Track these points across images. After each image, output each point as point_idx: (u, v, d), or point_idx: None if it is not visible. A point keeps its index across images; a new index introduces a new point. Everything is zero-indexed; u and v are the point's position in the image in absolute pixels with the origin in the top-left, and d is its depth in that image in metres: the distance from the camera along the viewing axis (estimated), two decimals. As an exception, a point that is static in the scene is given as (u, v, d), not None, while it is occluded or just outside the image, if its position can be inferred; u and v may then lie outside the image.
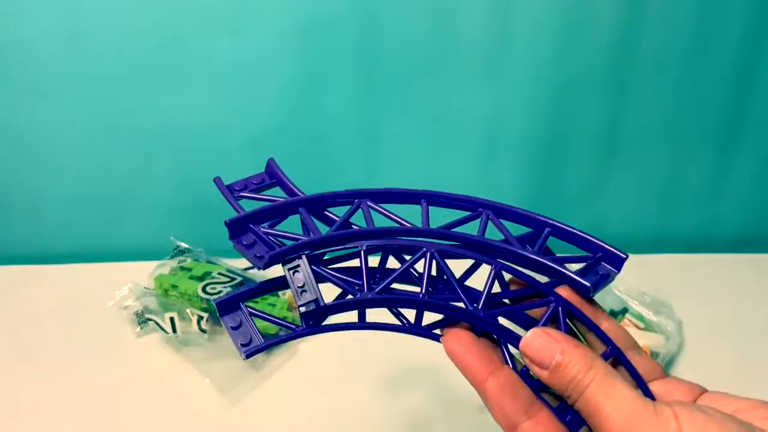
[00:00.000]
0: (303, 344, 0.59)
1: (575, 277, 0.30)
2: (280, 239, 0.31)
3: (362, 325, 0.30)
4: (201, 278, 0.63)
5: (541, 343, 0.26)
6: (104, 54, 0.66)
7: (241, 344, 0.29)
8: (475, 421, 0.51)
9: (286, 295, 0.62)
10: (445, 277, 0.31)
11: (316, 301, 0.29)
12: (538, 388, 0.28)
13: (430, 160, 0.73)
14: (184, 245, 0.69)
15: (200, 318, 0.58)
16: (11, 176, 0.72)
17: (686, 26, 0.68)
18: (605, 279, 0.31)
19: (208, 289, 0.61)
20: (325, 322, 0.30)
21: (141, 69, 0.67)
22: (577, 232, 0.32)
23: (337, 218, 0.33)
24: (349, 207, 0.33)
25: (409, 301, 0.30)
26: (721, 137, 0.75)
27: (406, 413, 0.52)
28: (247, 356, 0.29)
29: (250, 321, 0.30)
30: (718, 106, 0.73)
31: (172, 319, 0.58)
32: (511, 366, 0.29)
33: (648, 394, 0.27)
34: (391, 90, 0.70)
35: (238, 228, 0.31)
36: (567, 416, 0.27)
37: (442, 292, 0.32)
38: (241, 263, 0.67)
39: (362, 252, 0.30)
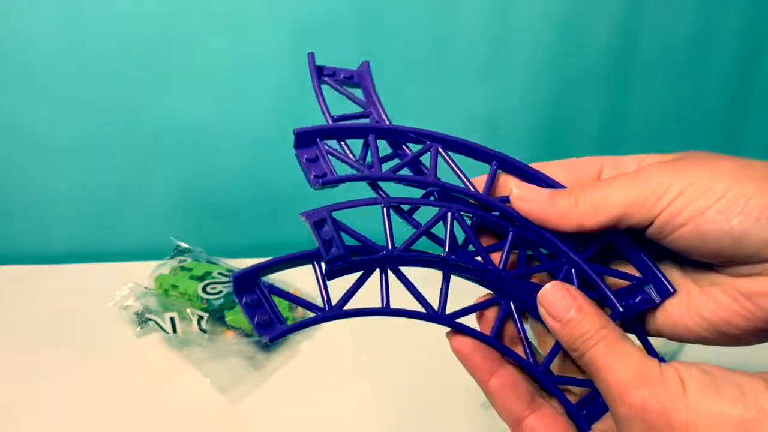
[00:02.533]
0: (304, 343, 0.59)
1: (610, 296, 0.28)
2: (342, 161, 0.30)
3: (387, 310, 0.29)
4: (201, 278, 0.63)
5: (559, 297, 0.26)
6: (105, 54, 0.66)
7: (258, 324, 0.26)
8: (478, 418, 0.51)
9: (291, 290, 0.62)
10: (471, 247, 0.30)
11: (345, 255, 0.27)
12: (557, 383, 0.28)
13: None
14: (184, 245, 0.69)
15: (200, 318, 0.58)
16: (11, 176, 0.72)
17: (687, 25, 0.68)
18: (643, 305, 0.28)
19: (208, 289, 0.61)
20: (347, 307, 0.28)
21: (141, 69, 0.67)
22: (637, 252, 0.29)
23: (409, 153, 0.32)
24: (419, 147, 0.32)
25: (434, 261, 0.29)
26: (722, 136, 0.75)
27: (407, 413, 0.52)
28: (272, 340, 0.26)
29: (269, 300, 0.27)
30: (720, 104, 0.73)
31: (172, 319, 0.58)
32: (524, 338, 0.29)
33: (654, 354, 0.27)
34: (391, 90, 0.69)
35: (305, 139, 0.31)
36: (582, 411, 0.28)
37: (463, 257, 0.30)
38: (241, 263, 0.67)
39: (384, 209, 0.29)
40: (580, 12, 0.67)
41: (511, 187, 0.29)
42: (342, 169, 0.31)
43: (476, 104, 0.70)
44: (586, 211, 0.27)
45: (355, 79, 0.36)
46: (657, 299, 0.28)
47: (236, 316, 0.58)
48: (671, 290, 0.28)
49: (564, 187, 0.29)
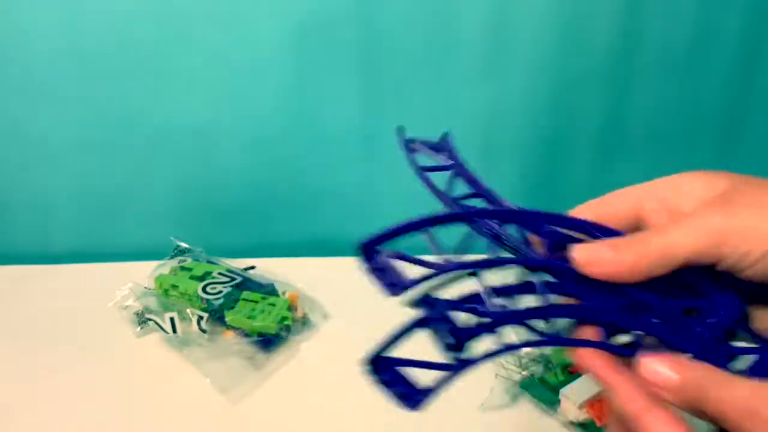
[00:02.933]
0: (304, 343, 0.59)
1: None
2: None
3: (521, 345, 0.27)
4: (201, 278, 0.62)
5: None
6: (105, 54, 0.66)
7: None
8: (478, 420, 0.51)
9: (287, 294, 0.62)
10: None
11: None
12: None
13: (430, 159, 0.73)
14: (184, 245, 0.69)
15: (200, 318, 0.58)
16: (12, 176, 0.72)
17: (687, 25, 0.68)
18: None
19: (208, 289, 0.61)
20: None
21: (141, 69, 0.67)
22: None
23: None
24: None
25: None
26: (722, 136, 0.75)
27: (407, 413, 0.52)
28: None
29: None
30: (720, 104, 0.73)
31: (172, 319, 0.58)
32: None
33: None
34: (391, 90, 0.70)
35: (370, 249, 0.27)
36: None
37: None
38: (242, 263, 0.67)
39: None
40: (580, 12, 0.67)
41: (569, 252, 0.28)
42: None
43: (476, 104, 0.70)
44: (652, 263, 0.27)
45: (439, 146, 0.35)
46: None
47: (236, 316, 0.58)
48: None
49: (617, 231, 0.29)
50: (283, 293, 0.63)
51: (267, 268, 0.66)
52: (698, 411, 0.26)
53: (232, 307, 0.59)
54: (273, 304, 0.59)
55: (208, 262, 0.66)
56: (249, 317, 0.57)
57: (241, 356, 0.57)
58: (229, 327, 0.58)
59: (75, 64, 0.66)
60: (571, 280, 0.28)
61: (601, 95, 0.71)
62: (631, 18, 0.67)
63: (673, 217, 0.29)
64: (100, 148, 0.71)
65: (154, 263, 0.66)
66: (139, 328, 0.60)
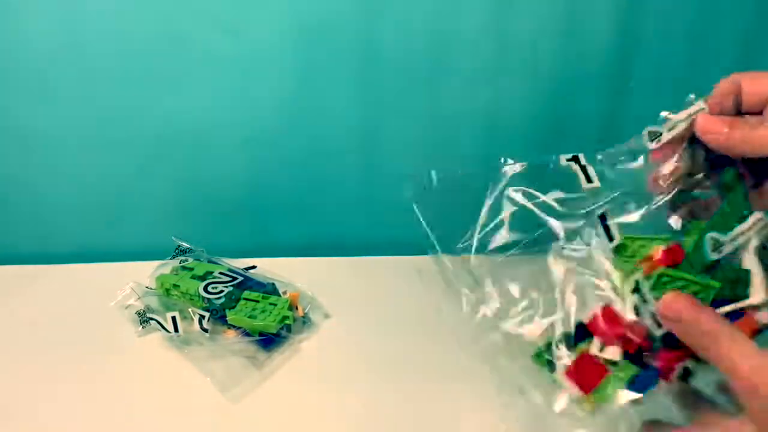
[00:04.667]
0: (305, 342, 0.59)
1: None
2: None
3: None
4: (202, 278, 0.63)
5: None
6: (105, 54, 0.66)
7: None
8: (477, 418, 0.51)
9: (288, 293, 0.62)
10: None
11: None
12: None
13: (430, 160, 0.73)
14: (185, 245, 0.69)
15: (202, 317, 0.58)
16: (12, 176, 0.72)
17: (687, 25, 0.69)
18: None
19: (209, 288, 0.61)
20: None
21: (142, 68, 0.67)
22: None
23: None
24: None
25: None
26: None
27: (408, 412, 0.52)
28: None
29: None
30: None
31: (173, 319, 0.58)
32: None
33: None
34: (391, 90, 0.70)
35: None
36: None
37: None
38: (242, 263, 0.67)
39: None
40: (580, 12, 0.67)
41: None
42: None
43: (476, 104, 0.71)
44: (755, 146, 0.34)
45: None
46: None
47: (237, 315, 0.58)
48: None
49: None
50: (284, 293, 0.63)
51: (268, 267, 0.66)
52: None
53: (233, 307, 0.59)
54: (274, 304, 0.59)
55: (210, 261, 0.66)
56: (250, 317, 0.58)
57: (242, 355, 0.57)
58: (230, 326, 0.59)
59: (75, 64, 0.66)
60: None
61: (601, 95, 0.72)
62: (631, 18, 0.68)
63: None
64: (100, 148, 0.71)
65: (155, 263, 0.66)
66: (141, 327, 0.60)
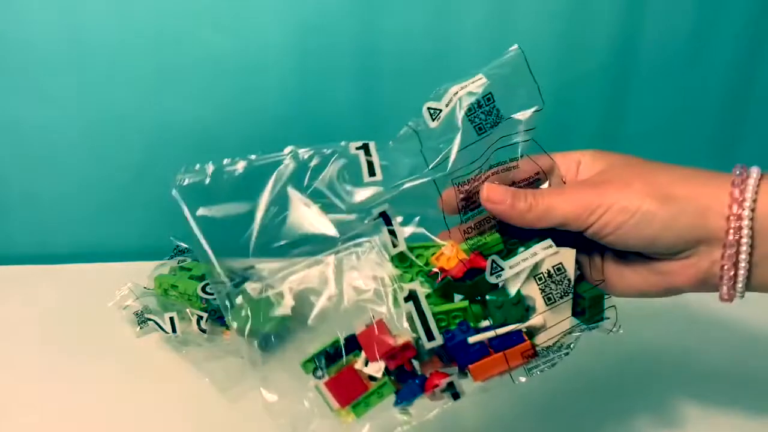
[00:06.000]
0: (304, 343, 0.59)
1: None
2: None
3: None
4: (200, 278, 0.62)
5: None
6: (105, 54, 0.66)
7: None
8: (477, 416, 0.51)
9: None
10: None
11: None
12: None
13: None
14: (184, 245, 0.69)
15: (200, 318, 0.58)
16: (11, 175, 0.72)
17: (687, 25, 0.69)
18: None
19: (207, 289, 0.61)
20: None
21: (142, 69, 0.67)
22: None
23: None
24: None
25: None
26: (721, 136, 0.75)
27: (407, 411, 0.52)
28: None
29: None
30: (719, 104, 0.73)
31: (171, 319, 0.58)
32: None
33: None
34: (391, 90, 0.70)
35: None
36: None
37: None
38: (241, 263, 0.67)
39: None
40: (580, 12, 0.67)
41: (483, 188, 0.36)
42: None
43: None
44: (538, 216, 0.36)
45: None
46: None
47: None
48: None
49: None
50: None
51: (267, 267, 0.66)
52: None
53: (232, 307, 0.59)
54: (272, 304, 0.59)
55: (208, 262, 0.66)
56: (248, 317, 0.57)
57: (240, 356, 0.57)
58: (228, 327, 0.58)
59: (75, 64, 0.66)
60: None
61: (601, 95, 0.72)
62: (631, 18, 0.67)
63: (568, 182, 0.39)
64: (100, 148, 0.71)
65: (153, 263, 0.66)
66: (139, 328, 0.60)
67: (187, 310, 0.59)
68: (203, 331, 0.58)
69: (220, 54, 0.67)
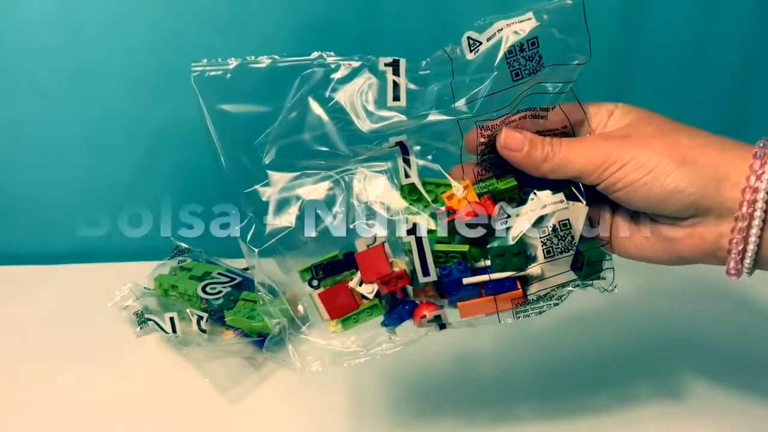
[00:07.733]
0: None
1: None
2: None
3: None
4: (201, 278, 0.63)
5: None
6: (105, 53, 0.66)
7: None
8: (476, 416, 0.51)
9: (286, 294, 0.62)
10: None
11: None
12: None
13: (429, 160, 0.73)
14: (184, 245, 0.69)
15: (200, 318, 0.58)
16: (11, 175, 0.72)
17: (687, 25, 0.68)
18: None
19: (207, 289, 0.61)
20: None
21: (142, 68, 0.67)
22: None
23: None
24: None
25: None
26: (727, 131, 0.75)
27: (408, 411, 0.52)
28: None
29: None
30: (719, 104, 0.73)
31: (171, 319, 0.58)
32: None
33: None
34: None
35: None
36: None
37: None
38: (241, 263, 0.67)
39: None
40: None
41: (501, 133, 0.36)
42: None
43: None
44: (552, 168, 0.35)
45: None
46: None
47: (235, 316, 0.58)
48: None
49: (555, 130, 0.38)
50: (283, 293, 0.62)
51: (266, 268, 0.66)
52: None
53: (232, 307, 0.59)
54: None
55: (208, 262, 0.66)
56: (248, 317, 0.57)
57: (241, 356, 0.57)
58: (228, 327, 0.58)
59: (75, 64, 0.66)
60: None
61: (601, 95, 0.71)
62: (631, 18, 0.67)
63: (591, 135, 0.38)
64: (100, 148, 0.71)
65: (153, 263, 0.66)
66: (139, 328, 0.60)
67: (187, 310, 0.59)
68: (203, 331, 0.58)
69: (220, 54, 0.67)
